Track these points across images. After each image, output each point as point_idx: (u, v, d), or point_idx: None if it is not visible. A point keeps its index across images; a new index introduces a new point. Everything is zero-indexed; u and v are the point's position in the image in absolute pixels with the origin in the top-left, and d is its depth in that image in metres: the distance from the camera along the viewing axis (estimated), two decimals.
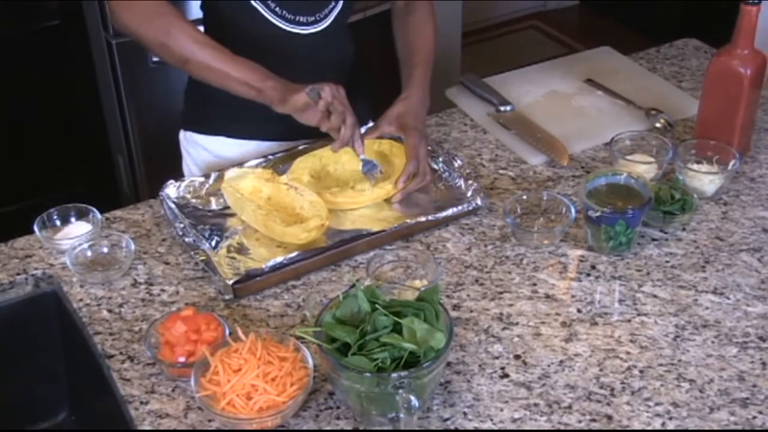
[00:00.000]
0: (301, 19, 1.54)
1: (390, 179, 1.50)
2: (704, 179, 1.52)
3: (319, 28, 1.56)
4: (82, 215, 1.47)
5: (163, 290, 1.36)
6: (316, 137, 1.54)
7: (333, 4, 1.57)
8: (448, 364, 1.22)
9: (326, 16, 1.57)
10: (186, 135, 1.72)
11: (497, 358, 1.24)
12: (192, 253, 1.39)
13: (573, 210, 1.44)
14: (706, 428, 1.14)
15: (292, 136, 1.59)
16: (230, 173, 1.51)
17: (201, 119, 1.69)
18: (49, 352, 1.42)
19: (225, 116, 1.65)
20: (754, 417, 1.15)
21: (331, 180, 1.54)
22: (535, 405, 1.17)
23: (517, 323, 1.29)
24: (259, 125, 1.64)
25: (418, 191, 1.52)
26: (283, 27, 1.53)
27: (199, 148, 1.69)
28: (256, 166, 1.56)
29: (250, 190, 1.47)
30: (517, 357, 1.24)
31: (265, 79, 1.41)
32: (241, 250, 1.41)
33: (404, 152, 1.53)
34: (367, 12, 2.43)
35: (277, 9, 1.51)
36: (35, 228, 1.44)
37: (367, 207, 1.50)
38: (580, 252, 1.42)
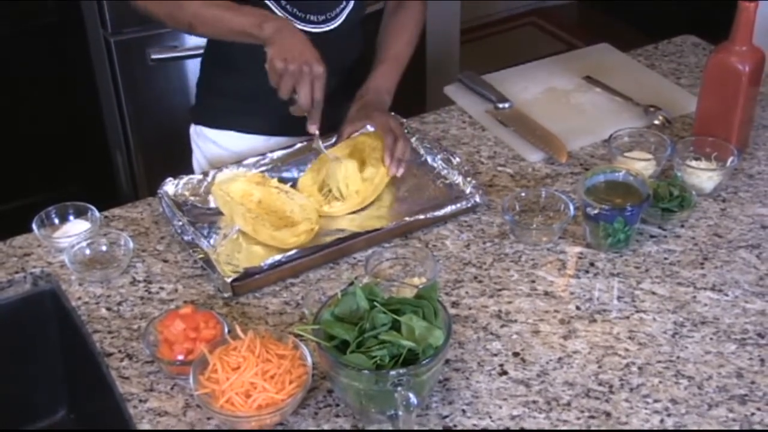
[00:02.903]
0: (312, 17, 1.55)
1: (365, 184, 1.49)
2: (703, 176, 1.52)
3: (330, 27, 1.58)
4: (80, 213, 1.47)
5: (161, 288, 1.36)
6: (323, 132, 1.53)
7: (344, 3, 1.58)
8: (447, 361, 1.22)
9: (337, 15, 1.58)
10: (196, 129, 1.75)
11: (496, 355, 1.24)
12: (191, 251, 1.39)
13: (571, 207, 1.44)
14: (705, 425, 1.14)
15: (300, 131, 1.59)
16: (221, 176, 1.50)
17: (210, 113, 1.72)
18: (47, 350, 1.42)
19: (233, 110, 1.67)
20: (753, 414, 1.15)
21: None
22: (534, 402, 1.17)
23: (515, 320, 1.29)
24: (266, 120, 1.66)
25: (417, 191, 1.51)
26: (295, 25, 1.53)
27: (208, 142, 1.72)
28: (255, 164, 1.56)
29: (241, 194, 1.46)
30: (515, 354, 1.24)
31: (261, 24, 1.41)
32: (241, 247, 1.41)
33: (377, 136, 1.54)
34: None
35: (288, 7, 1.53)
36: (34, 226, 1.44)
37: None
38: (578, 249, 1.42)
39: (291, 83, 1.38)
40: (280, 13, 1.53)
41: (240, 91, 1.65)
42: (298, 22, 1.54)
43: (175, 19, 1.48)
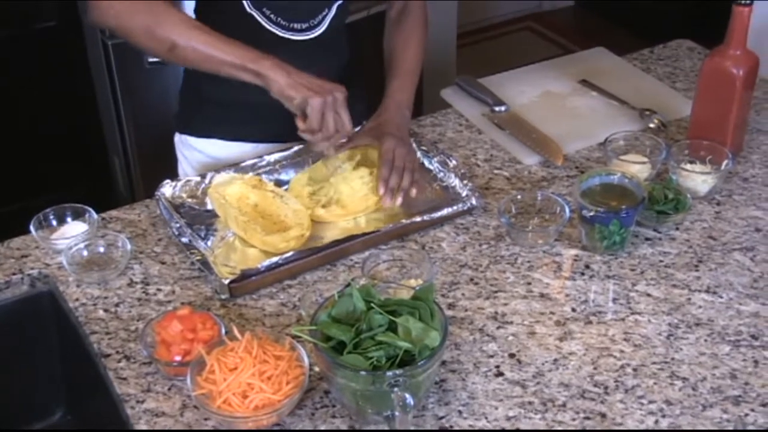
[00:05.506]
0: (296, 25, 1.54)
1: (357, 199, 1.49)
2: (697, 179, 1.53)
3: (314, 35, 1.56)
4: (78, 215, 1.47)
5: (159, 289, 1.37)
6: None
7: (326, 10, 1.57)
8: (443, 362, 1.22)
9: (320, 22, 1.57)
10: (181, 138, 1.72)
11: (492, 356, 1.24)
12: (188, 252, 1.39)
13: (567, 210, 1.45)
14: (699, 426, 1.14)
15: (286, 137, 1.60)
16: (218, 179, 1.51)
17: (194, 121, 1.69)
18: (45, 351, 1.43)
19: (218, 118, 1.65)
20: (746, 414, 1.16)
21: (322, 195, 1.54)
22: (530, 403, 1.17)
23: (511, 322, 1.30)
24: (252, 126, 1.65)
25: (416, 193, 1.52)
26: (278, 33, 1.53)
27: (193, 151, 1.70)
28: (252, 167, 1.56)
29: (237, 197, 1.47)
30: (511, 356, 1.24)
31: (260, 59, 1.37)
32: (237, 249, 1.41)
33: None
34: (370, 10, 2.42)
35: (272, 16, 1.51)
36: (31, 228, 1.44)
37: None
38: (574, 251, 1.43)
39: (330, 118, 1.38)
40: (263, 22, 1.51)
41: (225, 98, 1.61)
42: (283, 30, 1.52)
43: (154, 37, 1.38)
